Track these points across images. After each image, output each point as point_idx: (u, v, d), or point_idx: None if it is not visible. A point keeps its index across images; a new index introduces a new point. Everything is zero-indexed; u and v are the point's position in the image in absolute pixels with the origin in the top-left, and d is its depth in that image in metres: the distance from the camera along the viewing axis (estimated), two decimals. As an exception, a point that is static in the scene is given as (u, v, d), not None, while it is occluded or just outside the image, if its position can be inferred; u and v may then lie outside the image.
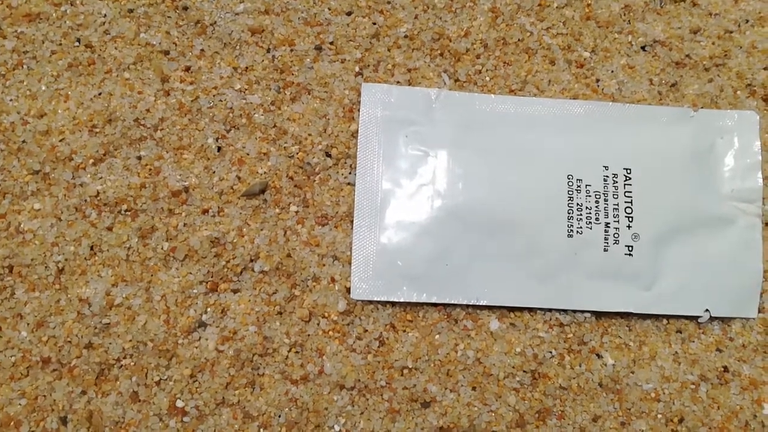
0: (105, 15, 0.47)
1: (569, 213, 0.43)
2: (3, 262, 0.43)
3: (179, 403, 0.41)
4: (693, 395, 0.43)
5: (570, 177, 0.44)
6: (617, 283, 0.43)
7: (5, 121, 0.45)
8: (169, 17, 0.47)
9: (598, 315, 0.44)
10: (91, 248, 0.43)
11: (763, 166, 0.45)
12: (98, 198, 0.44)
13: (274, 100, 0.46)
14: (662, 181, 0.44)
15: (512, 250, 0.43)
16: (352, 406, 0.42)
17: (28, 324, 0.42)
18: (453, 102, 0.46)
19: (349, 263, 0.44)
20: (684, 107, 0.46)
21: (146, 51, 0.46)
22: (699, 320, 0.44)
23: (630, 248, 0.43)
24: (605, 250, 0.43)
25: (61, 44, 0.46)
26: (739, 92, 0.47)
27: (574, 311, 0.44)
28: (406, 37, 0.48)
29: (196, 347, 0.42)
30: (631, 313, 0.44)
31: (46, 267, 0.43)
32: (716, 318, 0.44)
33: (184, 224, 0.44)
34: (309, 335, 0.43)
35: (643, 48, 0.48)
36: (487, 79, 0.47)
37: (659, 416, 0.42)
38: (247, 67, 0.47)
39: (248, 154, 0.45)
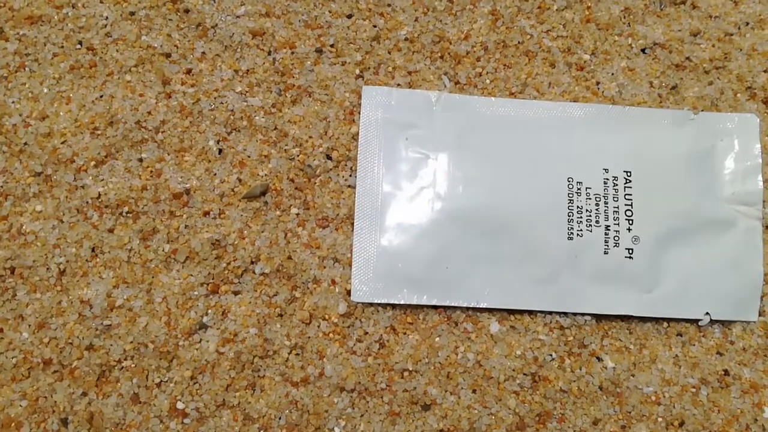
0: (106, 18, 0.47)
1: (569, 216, 0.43)
2: (5, 264, 0.43)
3: (180, 405, 0.41)
4: (693, 398, 0.43)
5: (570, 180, 0.44)
6: (617, 285, 0.43)
7: (7, 123, 0.45)
8: (170, 20, 0.47)
9: (599, 318, 0.44)
10: (93, 250, 0.43)
11: (763, 168, 0.45)
12: (100, 200, 0.44)
13: (274, 102, 0.46)
14: (662, 183, 0.44)
15: (512, 253, 0.43)
16: (352, 409, 0.42)
17: (29, 325, 0.42)
18: (453, 105, 0.46)
19: (350, 265, 0.44)
20: (684, 110, 0.47)
21: (147, 53, 0.47)
22: (699, 323, 0.44)
23: (630, 251, 0.43)
24: (605, 253, 0.43)
25: (62, 47, 0.46)
26: (739, 95, 0.47)
27: (575, 314, 0.44)
28: (406, 39, 0.48)
29: (197, 349, 0.42)
30: (632, 316, 0.44)
31: (47, 268, 0.43)
32: (717, 321, 0.44)
33: (185, 226, 0.44)
34: (309, 337, 0.43)
35: (643, 50, 0.48)
36: (488, 81, 0.47)
37: (659, 419, 0.42)
38: (248, 70, 0.47)
39: (249, 157, 0.45)
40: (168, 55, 0.47)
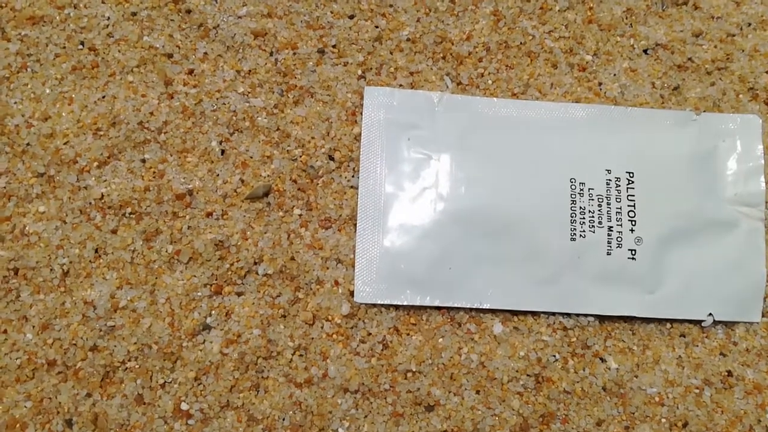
0: (108, 18, 0.47)
1: (572, 216, 0.43)
2: (8, 265, 0.43)
3: (184, 406, 0.41)
4: (697, 399, 0.43)
5: (573, 180, 0.44)
6: (620, 286, 0.43)
7: (10, 124, 0.45)
8: (172, 20, 0.47)
9: (602, 319, 0.44)
10: (96, 251, 0.43)
11: (765, 169, 0.45)
12: (103, 201, 0.44)
13: (277, 103, 0.46)
14: (665, 184, 0.44)
15: (515, 254, 0.43)
16: (356, 410, 0.42)
17: (33, 326, 0.42)
18: (455, 105, 0.46)
19: (353, 266, 0.44)
20: (686, 111, 0.47)
21: (149, 54, 0.46)
22: (702, 324, 0.44)
23: (633, 252, 0.43)
24: (608, 254, 0.43)
25: (65, 47, 0.46)
26: (741, 96, 0.47)
27: (578, 315, 0.44)
28: (408, 40, 0.48)
29: (201, 350, 0.42)
30: (635, 317, 0.44)
31: (51, 270, 0.43)
32: (720, 322, 0.44)
33: (188, 227, 0.44)
34: (313, 338, 0.43)
35: (645, 51, 0.48)
36: (490, 82, 0.47)
37: (663, 420, 0.42)
38: (250, 71, 0.47)
39: (252, 157, 0.45)
40: (170, 56, 0.46)
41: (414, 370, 0.43)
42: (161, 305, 0.43)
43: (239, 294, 0.43)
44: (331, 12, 0.48)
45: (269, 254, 0.44)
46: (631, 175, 0.44)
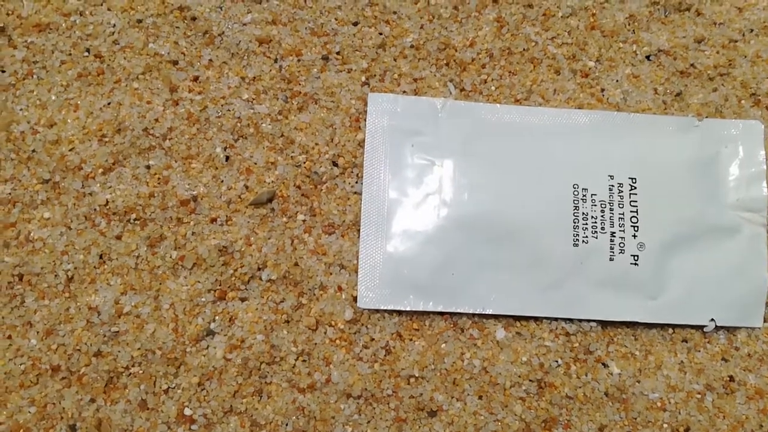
0: (114, 25, 0.47)
1: (575, 222, 0.44)
2: (13, 271, 0.43)
3: (187, 411, 0.42)
4: (699, 405, 0.43)
5: (575, 186, 0.44)
6: (623, 292, 0.43)
7: (15, 131, 0.45)
8: (177, 27, 0.48)
9: (604, 324, 0.44)
10: (101, 257, 0.43)
11: (767, 175, 0.45)
12: (107, 207, 0.44)
13: (281, 109, 0.46)
14: (667, 190, 0.44)
15: (518, 259, 0.43)
16: (358, 415, 0.42)
17: (37, 332, 0.42)
18: (459, 111, 0.46)
19: (356, 272, 0.44)
20: (688, 116, 0.47)
21: (155, 61, 0.47)
22: (704, 329, 0.44)
23: (635, 257, 0.43)
24: (611, 260, 0.43)
25: (70, 54, 0.47)
26: (743, 101, 0.47)
27: (580, 320, 0.44)
28: (412, 46, 0.48)
29: (204, 355, 0.42)
30: (637, 323, 0.44)
31: (55, 275, 0.43)
32: (722, 327, 0.44)
33: (193, 233, 0.44)
34: (316, 344, 0.43)
35: (647, 57, 0.48)
36: (493, 88, 0.47)
37: (665, 426, 0.42)
38: (254, 77, 0.47)
39: (256, 164, 0.45)
40: (175, 63, 0.47)
41: (417, 375, 0.43)
42: (165, 311, 0.43)
43: (243, 299, 0.43)
44: (336, 19, 0.48)
45: (273, 260, 0.44)
46: (634, 180, 0.44)
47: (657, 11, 0.49)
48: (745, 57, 0.48)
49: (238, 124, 0.46)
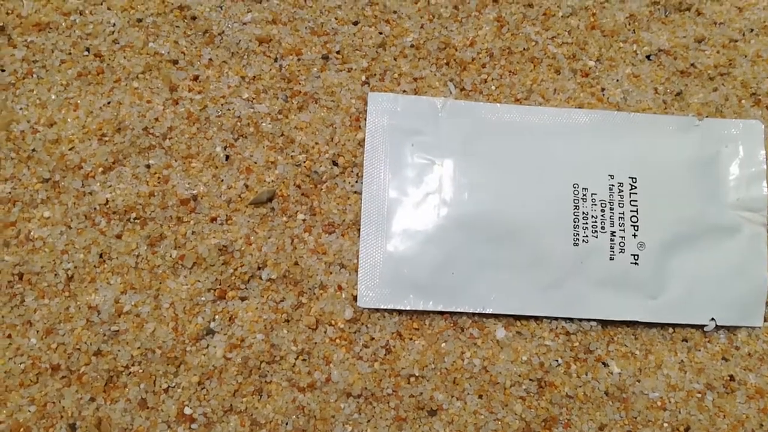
0: (114, 24, 0.47)
1: (575, 222, 0.44)
2: (13, 270, 0.43)
3: (187, 410, 0.42)
4: (699, 404, 0.43)
5: (576, 186, 0.44)
6: (623, 291, 0.43)
7: (15, 130, 0.45)
8: (177, 27, 0.48)
9: (604, 323, 0.44)
10: (101, 256, 0.43)
11: (767, 174, 0.45)
12: (107, 206, 0.44)
13: (281, 109, 0.46)
14: (667, 189, 0.44)
15: (518, 259, 0.43)
16: (358, 414, 0.42)
17: (37, 331, 0.42)
18: (459, 111, 0.46)
19: (356, 271, 0.44)
20: (689, 116, 0.47)
21: (155, 60, 0.47)
22: (705, 329, 0.44)
23: (636, 257, 0.43)
24: (611, 259, 0.43)
25: (70, 53, 0.47)
26: (743, 101, 0.47)
27: (580, 320, 0.44)
28: (412, 46, 0.48)
29: (204, 355, 0.42)
30: (637, 322, 0.44)
31: (55, 274, 0.43)
32: (722, 327, 0.44)
33: (193, 232, 0.44)
34: (316, 343, 0.43)
35: (648, 57, 0.48)
36: (493, 88, 0.47)
37: (665, 425, 0.42)
38: (254, 77, 0.47)
39: (256, 163, 0.45)
40: (175, 62, 0.47)
41: (417, 374, 0.43)
42: (165, 310, 0.43)
43: (243, 299, 0.43)
44: (336, 18, 0.48)
45: (273, 259, 0.44)
46: (634, 180, 0.44)
47: (657, 11, 0.49)
48: (746, 57, 0.48)
49: (238, 124, 0.46)
